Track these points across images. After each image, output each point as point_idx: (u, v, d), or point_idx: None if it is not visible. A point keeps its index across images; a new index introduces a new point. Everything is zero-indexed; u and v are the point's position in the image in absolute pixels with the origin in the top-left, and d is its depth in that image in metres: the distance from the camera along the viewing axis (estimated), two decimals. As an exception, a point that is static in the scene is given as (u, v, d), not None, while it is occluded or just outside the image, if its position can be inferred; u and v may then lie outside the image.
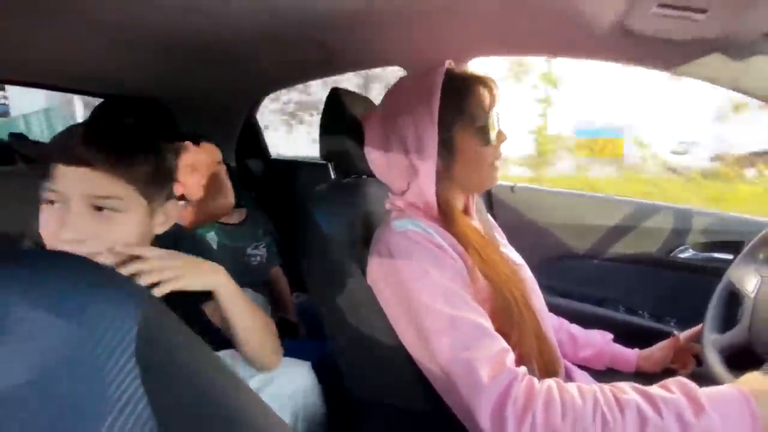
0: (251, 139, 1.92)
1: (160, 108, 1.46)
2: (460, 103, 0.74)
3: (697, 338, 0.91)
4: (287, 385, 0.96)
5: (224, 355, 0.94)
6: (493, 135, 0.75)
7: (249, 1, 0.86)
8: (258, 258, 1.38)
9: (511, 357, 0.62)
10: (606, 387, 0.58)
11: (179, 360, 0.38)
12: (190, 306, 0.80)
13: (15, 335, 0.31)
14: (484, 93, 0.75)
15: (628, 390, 0.56)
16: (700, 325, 0.91)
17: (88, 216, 0.62)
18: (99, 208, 0.63)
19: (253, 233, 1.39)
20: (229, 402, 0.41)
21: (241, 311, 0.74)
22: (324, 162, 1.01)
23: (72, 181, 0.61)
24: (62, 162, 0.61)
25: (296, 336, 1.36)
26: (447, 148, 0.74)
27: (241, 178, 1.75)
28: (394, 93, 0.79)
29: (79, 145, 0.61)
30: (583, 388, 0.57)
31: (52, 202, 0.62)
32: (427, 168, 0.72)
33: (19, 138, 1.40)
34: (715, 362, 0.78)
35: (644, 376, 0.93)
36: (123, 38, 1.05)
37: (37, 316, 0.32)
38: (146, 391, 0.34)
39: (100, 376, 0.32)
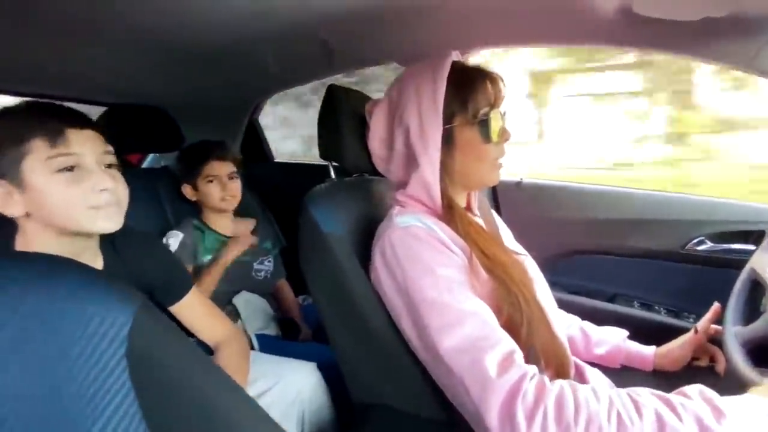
0: (254, 142, 1.92)
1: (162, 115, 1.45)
2: (463, 95, 0.71)
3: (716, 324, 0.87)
4: (294, 384, 0.96)
5: None
6: (494, 132, 0.72)
7: (249, 2, 0.85)
8: (263, 273, 1.37)
9: (519, 354, 0.59)
10: (621, 390, 0.56)
11: (173, 366, 0.38)
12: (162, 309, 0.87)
13: (6, 335, 0.31)
14: (489, 88, 0.73)
15: (644, 393, 0.55)
16: (709, 313, 0.87)
17: None
18: None
19: (259, 246, 1.37)
20: (229, 414, 0.40)
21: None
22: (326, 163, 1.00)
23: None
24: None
25: (296, 337, 1.34)
26: (447, 141, 0.72)
27: (247, 182, 1.74)
28: (400, 81, 0.77)
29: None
30: (597, 388, 0.56)
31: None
32: (429, 159, 0.71)
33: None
34: (737, 356, 0.74)
35: (663, 375, 0.89)
36: (125, 46, 1.05)
37: (28, 317, 0.32)
38: (139, 400, 0.34)
39: (90, 374, 0.32)
